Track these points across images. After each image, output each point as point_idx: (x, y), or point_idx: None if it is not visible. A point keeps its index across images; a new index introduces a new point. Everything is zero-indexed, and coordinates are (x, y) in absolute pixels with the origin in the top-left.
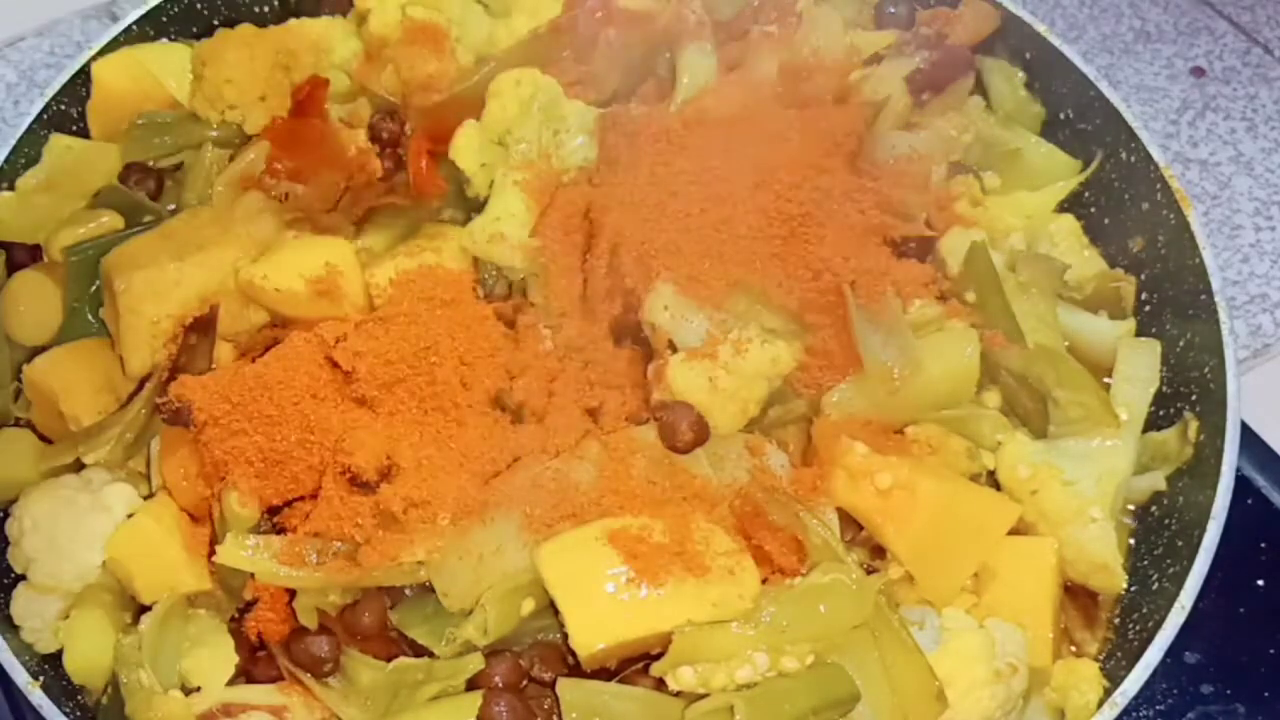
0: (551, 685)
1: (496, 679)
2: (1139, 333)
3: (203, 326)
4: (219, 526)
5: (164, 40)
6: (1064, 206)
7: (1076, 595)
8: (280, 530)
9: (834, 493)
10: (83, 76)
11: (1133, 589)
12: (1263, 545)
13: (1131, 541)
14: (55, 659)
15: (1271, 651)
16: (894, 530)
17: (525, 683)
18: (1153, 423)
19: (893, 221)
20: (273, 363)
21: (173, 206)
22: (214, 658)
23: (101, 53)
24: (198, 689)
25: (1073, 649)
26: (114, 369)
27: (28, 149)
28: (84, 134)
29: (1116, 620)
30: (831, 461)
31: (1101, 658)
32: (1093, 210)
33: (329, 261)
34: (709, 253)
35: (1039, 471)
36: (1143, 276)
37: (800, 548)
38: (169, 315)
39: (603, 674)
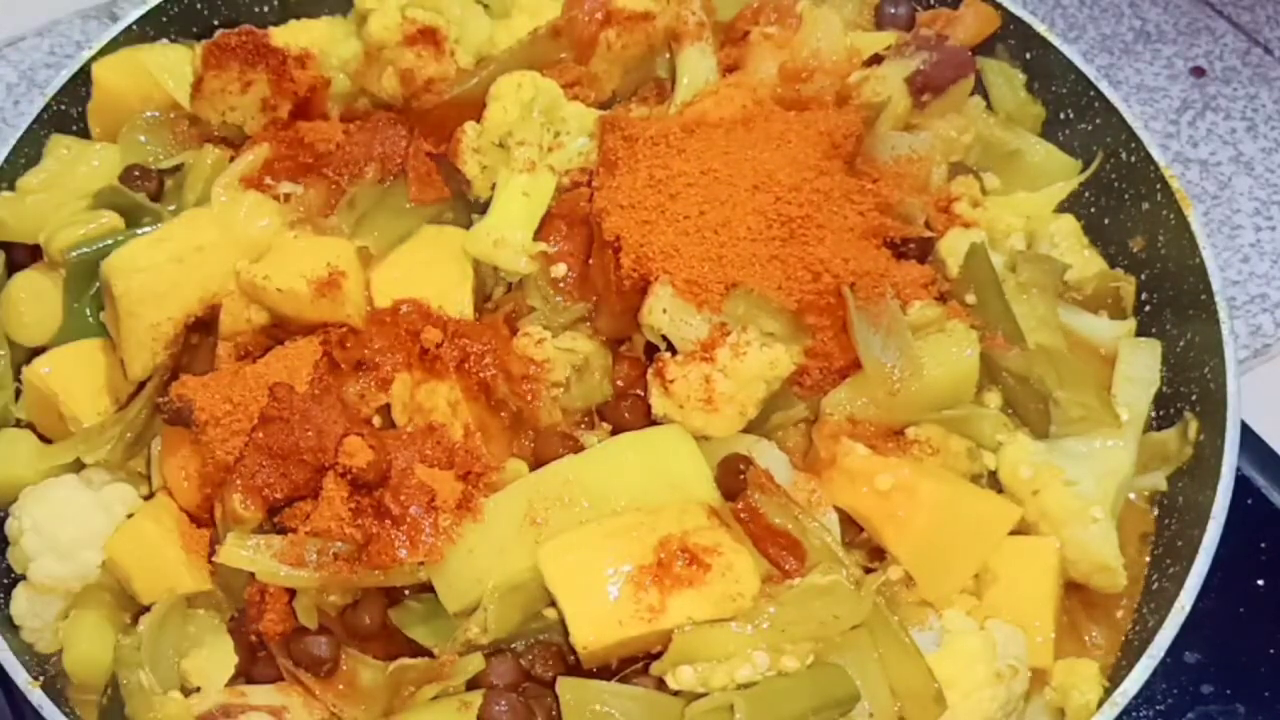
0: (551, 685)
1: (496, 679)
2: (1139, 333)
3: (203, 327)
4: (220, 527)
5: (164, 40)
6: (1064, 206)
7: (1077, 595)
8: (281, 530)
9: (834, 494)
10: (83, 76)
11: None
12: (1263, 545)
13: None
14: (55, 659)
15: (1271, 651)
16: (894, 532)
17: (525, 683)
18: (1153, 423)
19: (892, 223)
20: (273, 363)
21: (173, 207)
22: (214, 658)
23: (101, 53)
24: (197, 689)
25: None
26: (114, 370)
27: (28, 149)
28: (84, 134)
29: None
30: (832, 463)
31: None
32: (1093, 210)
33: (330, 262)
34: (708, 255)
35: (1040, 472)
36: (1143, 276)
37: (800, 549)
38: (169, 318)
39: (603, 673)
